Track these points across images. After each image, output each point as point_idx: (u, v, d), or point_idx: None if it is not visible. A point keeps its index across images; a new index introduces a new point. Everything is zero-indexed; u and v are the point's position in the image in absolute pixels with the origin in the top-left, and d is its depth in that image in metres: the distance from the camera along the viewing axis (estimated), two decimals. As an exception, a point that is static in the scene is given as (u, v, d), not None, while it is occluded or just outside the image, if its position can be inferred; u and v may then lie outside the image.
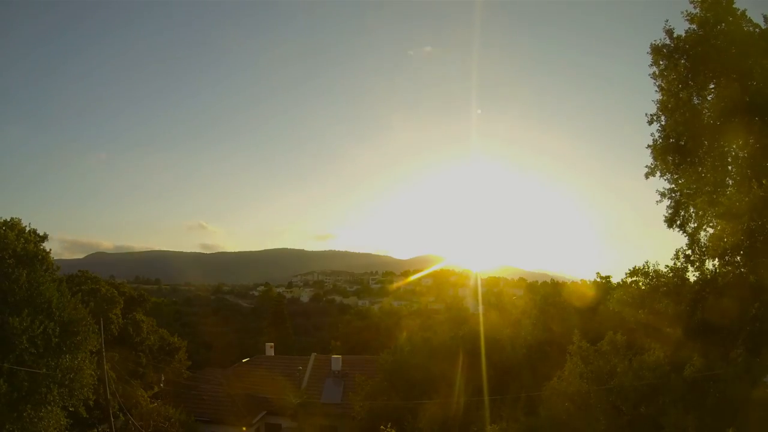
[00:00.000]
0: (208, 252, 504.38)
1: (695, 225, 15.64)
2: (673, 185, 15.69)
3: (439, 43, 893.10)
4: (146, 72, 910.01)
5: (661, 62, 15.20)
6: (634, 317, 17.25)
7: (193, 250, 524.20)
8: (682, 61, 14.90)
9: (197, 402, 30.93)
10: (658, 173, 15.50)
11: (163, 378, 33.42)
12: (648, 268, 16.34)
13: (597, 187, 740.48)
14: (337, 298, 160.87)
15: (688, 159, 15.01)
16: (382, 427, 21.03)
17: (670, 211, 15.83)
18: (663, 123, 15.25)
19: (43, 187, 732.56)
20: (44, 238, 20.00)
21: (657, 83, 15.40)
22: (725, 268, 15.04)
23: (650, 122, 15.43)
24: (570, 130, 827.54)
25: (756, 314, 14.03)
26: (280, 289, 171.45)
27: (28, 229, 19.70)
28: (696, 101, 15.01)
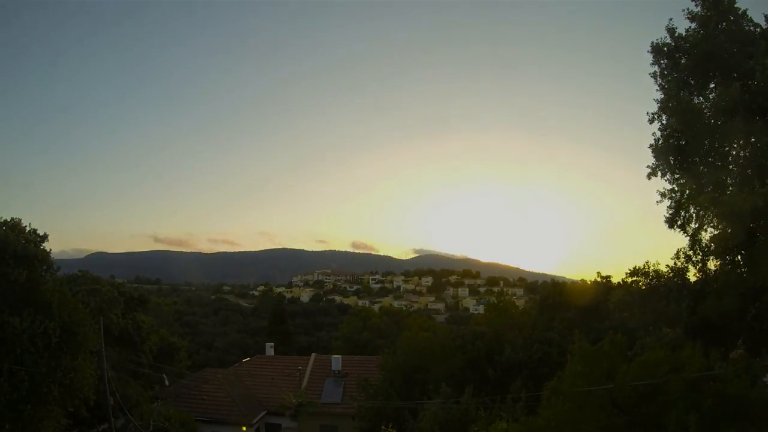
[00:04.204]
0: (208, 252, 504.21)
1: (696, 225, 15.61)
2: (674, 185, 15.66)
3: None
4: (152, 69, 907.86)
5: (662, 62, 15.16)
6: (635, 317, 17.25)
7: (193, 250, 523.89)
8: (683, 61, 14.88)
9: (197, 402, 30.95)
10: (660, 173, 15.46)
11: (164, 378, 33.41)
12: (648, 268, 16.33)
13: (597, 187, 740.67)
14: (337, 298, 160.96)
15: (689, 159, 14.98)
16: (382, 427, 21.05)
17: (670, 212, 15.80)
18: (664, 122, 15.22)
19: (44, 186, 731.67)
20: (44, 238, 20.00)
21: (658, 83, 15.37)
22: (726, 268, 15.03)
23: (651, 121, 15.38)
24: (570, 130, 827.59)
25: (756, 314, 14.03)
26: (280, 289, 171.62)
27: (28, 229, 19.72)
28: (697, 101, 15.00)
